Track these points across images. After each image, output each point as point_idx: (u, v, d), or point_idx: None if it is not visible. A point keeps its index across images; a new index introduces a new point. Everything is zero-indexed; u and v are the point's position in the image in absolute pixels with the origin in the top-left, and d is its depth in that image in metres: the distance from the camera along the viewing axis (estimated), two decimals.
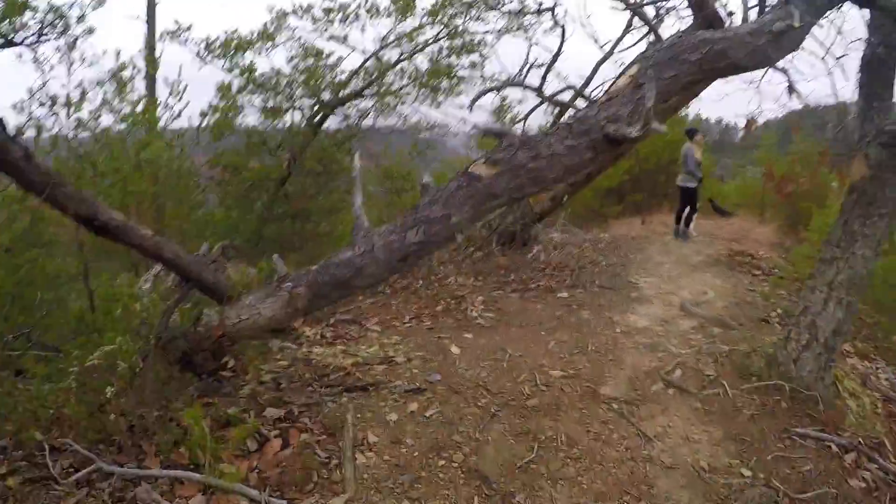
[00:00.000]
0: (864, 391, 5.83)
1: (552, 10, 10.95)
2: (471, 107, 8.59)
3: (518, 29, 11.36)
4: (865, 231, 5.02)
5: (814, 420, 4.98)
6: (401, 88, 11.64)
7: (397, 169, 13.26)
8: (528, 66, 10.80)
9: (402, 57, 11.44)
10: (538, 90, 10.43)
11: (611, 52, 11.13)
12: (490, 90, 10.26)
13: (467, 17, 11.29)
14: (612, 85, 4.75)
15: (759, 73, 5.84)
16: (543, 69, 10.81)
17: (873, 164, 4.84)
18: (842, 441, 4.72)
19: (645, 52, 5.05)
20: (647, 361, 5.91)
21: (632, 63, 4.62)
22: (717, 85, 5.45)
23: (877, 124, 4.97)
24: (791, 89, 5.11)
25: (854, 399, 5.55)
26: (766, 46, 4.26)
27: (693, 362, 5.86)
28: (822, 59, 5.28)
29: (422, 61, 11.70)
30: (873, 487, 4.36)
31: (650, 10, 8.76)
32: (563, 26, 11.10)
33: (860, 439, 4.86)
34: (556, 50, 11.04)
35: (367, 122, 12.28)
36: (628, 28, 11.06)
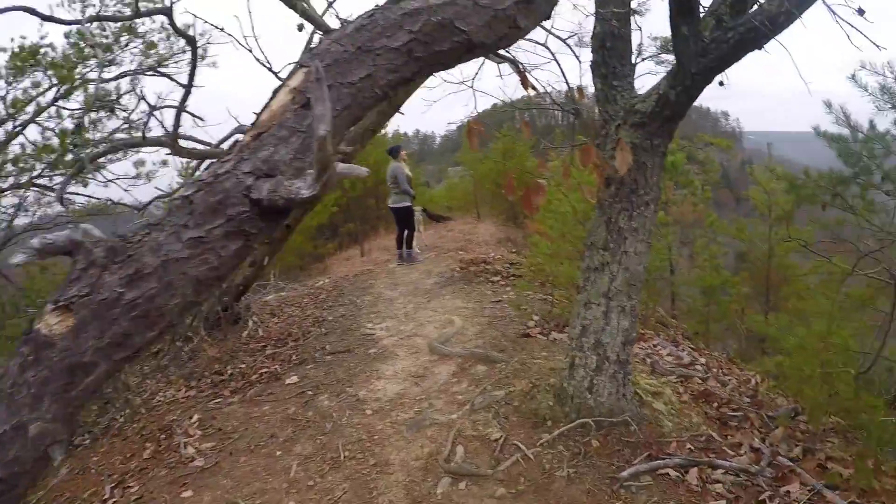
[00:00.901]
0: (661, 382, 5.27)
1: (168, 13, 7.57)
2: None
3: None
4: (633, 225, 4.24)
5: (633, 448, 4.22)
6: None
7: None
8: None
9: None
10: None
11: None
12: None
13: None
14: (261, 111, 2.36)
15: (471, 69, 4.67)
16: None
17: (631, 148, 4.03)
18: (675, 459, 4.07)
19: (315, 47, 2.87)
20: (417, 449, 4.48)
21: (295, 69, 2.66)
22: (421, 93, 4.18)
23: (623, 104, 4.22)
24: (524, 82, 4.04)
25: (658, 399, 4.88)
26: (512, 11, 2.73)
27: (471, 427, 4.60)
28: (543, 44, 4.28)
29: None
30: (732, 498, 3.75)
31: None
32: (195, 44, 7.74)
33: (689, 446, 4.25)
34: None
35: None
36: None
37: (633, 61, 4.33)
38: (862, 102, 6.44)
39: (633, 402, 4.55)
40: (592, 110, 4.70)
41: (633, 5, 4.43)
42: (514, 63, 4.20)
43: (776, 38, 3.35)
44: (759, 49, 3.51)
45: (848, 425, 4.96)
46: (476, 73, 4.63)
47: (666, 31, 3.70)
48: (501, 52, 4.19)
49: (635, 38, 4.35)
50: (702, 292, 11.79)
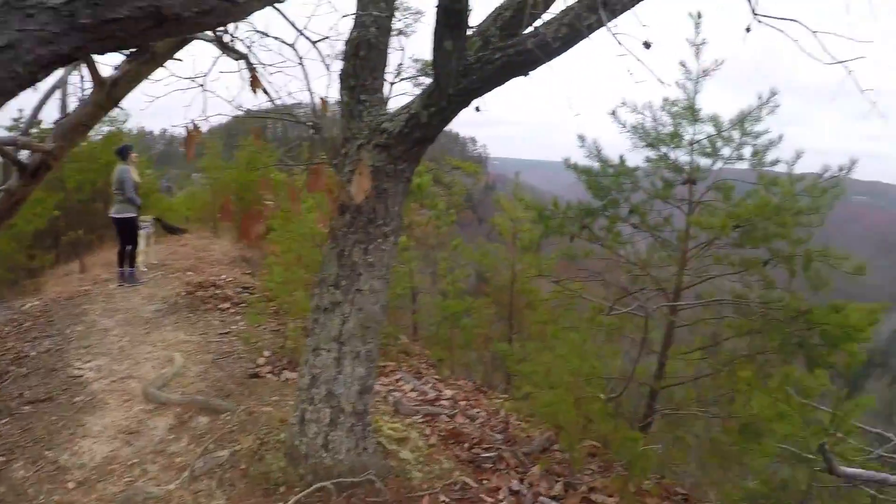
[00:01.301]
0: (406, 424, 4.89)
1: None
2: None
3: None
4: (369, 259, 3.69)
5: None
6: None
7: None
8: None
9: None
10: None
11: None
12: None
13: None
14: None
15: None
16: None
17: (371, 172, 3.50)
18: None
19: None
20: None
21: None
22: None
23: (369, 122, 3.67)
24: (255, 82, 3.27)
25: (404, 445, 4.45)
26: None
27: (192, 501, 3.73)
28: (292, 45, 3.51)
29: None
30: None
31: None
32: None
33: (443, 498, 3.91)
34: None
35: None
36: None
37: (390, 80, 3.82)
38: (620, 138, 6.75)
39: (376, 455, 4.06)
40: (337, 126, 4.11)
41: (400, 26, 3.96)
42: (247, 59, 3.47)
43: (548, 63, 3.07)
44: (526, 75, 3.24)
45: (605, 452, 4.97)
46: (210, 69, 3.77)
47: (429, 55, 3.24)
48: (232, 44, 3.42)
49: (396, 59, 3.85)
50: (445, 318, 11.76)
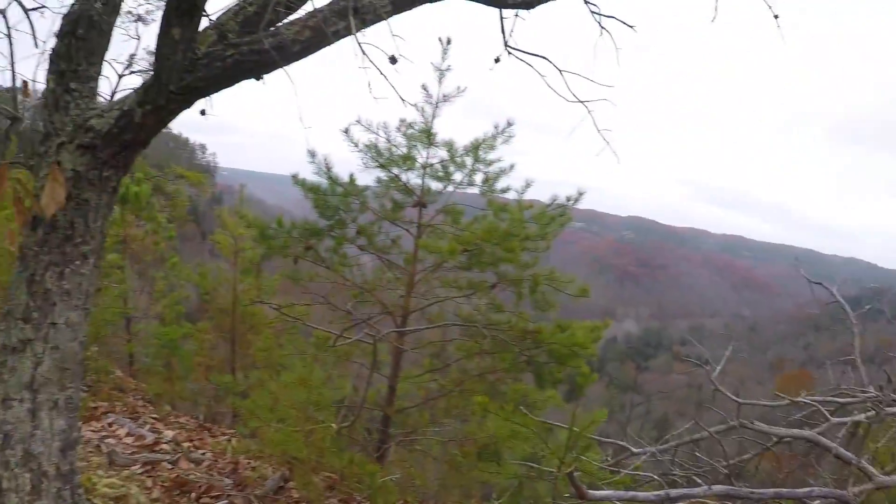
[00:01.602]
0: (124, 477, 4.24)
1: None
2: None
3: None
4: (65, 286, 2.96)
5: None
6: None
7: None
8: None
9: None
10: None
11: None
12: None
13: None
14: None
15: None
16: None
17: (71, 178, 2.88)
18: None
19: None
20: None
21: None
22: None
23: (75, 116, 2.97)
24: None
25: None
26: None
27: None
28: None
29: None
30: None
31: None
32: None
33: None
34: None
35: None
36: None
37: (119, 72, 3.18)
38: (353, 155, 6.56)
39: None
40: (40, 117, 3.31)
41: (141, 11, 3.32)
42: None
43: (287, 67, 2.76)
44: (259, 78, 2.88)
45: (344, 483, 4.72)
46: None
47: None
48: None
49: (131, 47, 3.21)
50: (163, 346, 10.65)
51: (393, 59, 2.53)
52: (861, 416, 4.10)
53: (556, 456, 2.94)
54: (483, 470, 4.46)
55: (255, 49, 2.71)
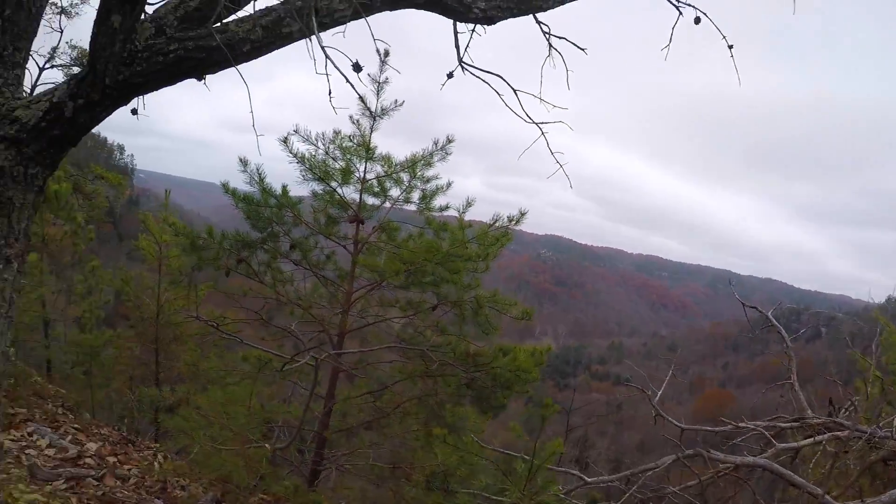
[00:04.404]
0: (46, 495, 3.98)
1: None
2: None
3: None
4: None
5: None
6: None
7: None
8: None
9: None
10: None
11: None
12: None
13: None
14: None
15: None
16: None
17: None
18: None
19: None
20: None
21: None
22: None
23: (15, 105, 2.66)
24: None
25: None
26: None
27: None
28: None
29: None
30: None
31: None
32: None
33: None
34: None
35: None
36: None
37: (40, 64, 2.85)
38: (289, 167, 6.28)
39: None
40: None
41: (65, 4, 2.98)
42: None
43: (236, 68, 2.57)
44: (200, 78, 2.68)
45: None
46: None
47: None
48: None
49: (53, 39, 2.89)
50: (84, 353, 10.03)
51: (357, 67, 2.40)
52: (822, 438, 4.13)
53: (517, 488, 2.82)
54: (435, 501, 4.27)
55: (201, 45, 2.51)
